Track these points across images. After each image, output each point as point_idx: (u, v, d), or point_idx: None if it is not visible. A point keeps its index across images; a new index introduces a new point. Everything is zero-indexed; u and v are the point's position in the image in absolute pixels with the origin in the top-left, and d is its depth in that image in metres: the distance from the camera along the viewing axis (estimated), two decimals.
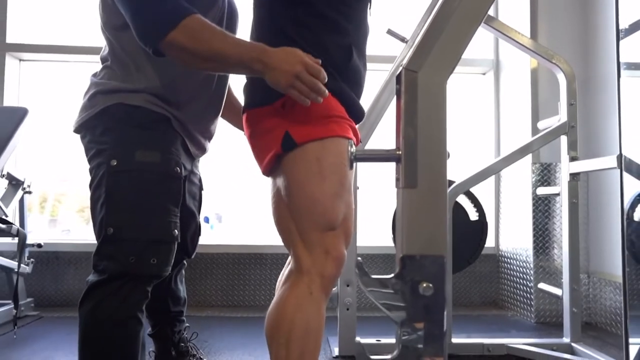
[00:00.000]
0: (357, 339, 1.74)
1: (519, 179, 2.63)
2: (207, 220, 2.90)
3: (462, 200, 2.02)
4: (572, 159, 1.90)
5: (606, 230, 2.39)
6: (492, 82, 2.95)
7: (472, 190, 2.00)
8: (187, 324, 1.59)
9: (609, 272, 2.35)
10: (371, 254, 2.75)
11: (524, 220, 2.56)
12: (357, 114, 1.14)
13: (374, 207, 2.71)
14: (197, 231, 1.47)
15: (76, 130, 1.24)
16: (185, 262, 1.53)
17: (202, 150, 1.38)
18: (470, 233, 2.02)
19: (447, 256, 0.79)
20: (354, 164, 1.29)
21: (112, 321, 1.12)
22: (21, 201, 2.52)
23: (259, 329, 1.96)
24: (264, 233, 2.79)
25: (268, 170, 1.09)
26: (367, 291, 0.79)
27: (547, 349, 1.83)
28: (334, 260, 1.01)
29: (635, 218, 1.69)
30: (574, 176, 1.90)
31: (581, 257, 2.11)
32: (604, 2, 2.49)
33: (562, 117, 1.94)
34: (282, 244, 1.09)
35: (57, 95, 2.87)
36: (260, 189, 2.72)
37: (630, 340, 1.47)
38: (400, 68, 0.79)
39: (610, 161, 1.63)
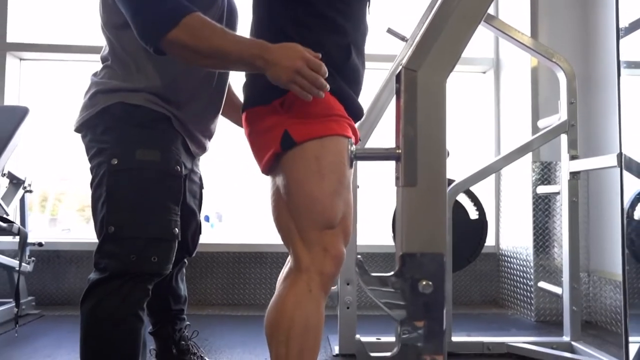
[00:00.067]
0: (357, 336, 1.75)
1: (519, 177, 2.63)
2: (207, 219, 2.90)
3: (462, 199, 2.03)
4: (572, 157, 1.91)
5: (606, 229, 2.39)
6: (492, 81, 2.95)
7: (472, 188, 2.00)
8: (188, 322, 1.59)
9: (609, 271, 2.35)
10: (371, 253, 2.75)
11: (524, 219, 2.56)
12: (356, 112, 1.14)
13: (374, 206, 2.71)
14: (198, 230, 1.47)
15: (77, 130, 1.25)
16: (186, 260, 1.53)
17: (203, 149, 1.39)
18: (471, 232, 2.02)
19: (446, 254, 0.79)
20: (354, 163, 1.29)
21: (113, 319, 1.12)
22: (22, 200, 2.52)
23: (259, 328, 1.96)
24: (264, 232, 2.80)
25: (267, 169, 1.09)
26: (367, 289, 0.79)
27: (547, 347, 1.83)
28: (333, 259, 1.01)
29: (635, 217, 1.69)
30: (574, 175, 1.91)
31: (581, 256, 2.11)
32: (604, 1, 2.49)
33: (562, 115, 1.94)
34: (282, 242, 1.09)
35: (57, 94, 2.88)
36: (260, 188, 2.72)
37: (630, 338, 1.47)
38: (400, 67, 0.79)
39: (611, 160, 1.63)
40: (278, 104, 1.05)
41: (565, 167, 1.92)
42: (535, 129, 2.40)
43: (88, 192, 1.21)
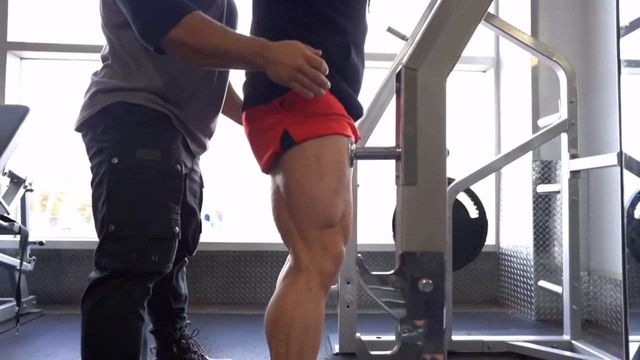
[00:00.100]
0: (358, 335, 1.75)
1: (520, 176, 2.63)
2: (207, 218, 2.90)
3: (463, 197, 2.03)
4: (573, 156, 1.91)
5: (606, 228, 2.39)
6: (492, 80, 2.95)
7: (473, 187, 2.00)
8: (189, 321, 1.59)
9: (609, 270, 2.35)
10: (371, 252, 2.75)
11: (525, 218, 2.56)
12: (355, 111, 1.15)
13: (374, 204, 2.71)
14: (198, 228, 1.47)
15: (77, 129, 1.25)
16: (186, 259, 1.54)
17: (203, 147, 1.39)
18: (471, 231, 2.03)
19: (446, 253, 0.79)
20: (354, 162, 1.29)
21: (113, 317, 1.12)
22: (23, 199, 2.52)
23: (259, 327, 1.96)
24: (264, 231, 2.80)
25: (267, 168, 1.09)
26: (367, 288, 0.79)
27: (547, 346, 1.83)
28: (333, 257, 1.02)
29: (636, 216, 1.69)
30: (574, 174, 1.91)
31: (581, 255, 2.11)
32: (604, 0, 2.49)
33: (562, 114, 1.94)
34: (282, 241, 1.09)
35: (58, 93, 2.88)
36: (260, 187, 2.72)
37: (631, 337, 1.47)
38: (400, 66, 0.79)
39: (611, 159, 1.63)
40: (278, 103, 1.05)
41: (566, 166, 1.92)
42: (535, 127, 2.40)
43: (88, 191, 1.21)
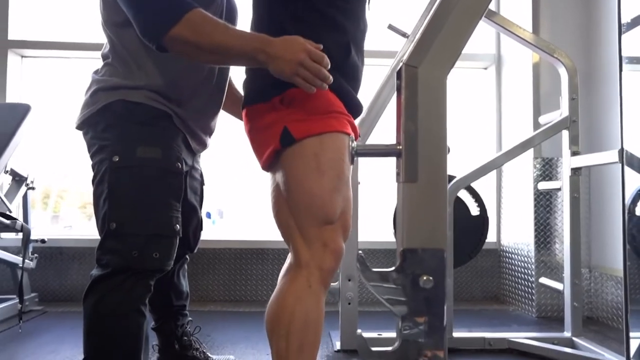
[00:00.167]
0: (359, 331, 1.75)
1: (521, 173, 2.63)
2: (209, 215, 2.91)
3: (464, 195, 2.03)
4: (574, 153, 1.90)
5: (607, 225, 2.39)
6: (493, 77, 2.95)
7: (474, 185, 2.00)
8: (190, 318, 1.60)
9: (610, 267, 2.35)
10: (372, 249, 2.76)
11: (526, 215, 2.56)
12: (355, 108, 1.15)
13: (375, 202, 2.71)
14: (199, 226, 1.48)
15: (78, 127, 1.25)
16: (187, 256, 1.54)
17: (203, 145, 1.39)
18: (472, 228, 2.03)
19: (447, 250, 0.79)
20: (355, 159, 1.29)
21: (115, 315, 1.13)
22: (25, 197, 2.53)
23: (260, 323, 1.97)
24: (265, 228, 2.80)
25: (267, 166, 1.10)
26: (368, 285, 0.79)
27: (548, 343, 1.84)
28: (332, 254, 1.02)
29: (637, 212, 1.69)
30: (575, 171, 1.91)
31: (582, 252, 2.11)
32: None
33: (563, 111, 1.94)
34: (282, 239, 1.10)
35: (59, 91, 2.88)
36: (261, 185, 2.72)
37: (631, 334, 1.47)
38: (401, 63, 0.79)
39: (612, 156, 1.63)
40: (278, 101, 1.05)
41: (567, 163, 1.92)
42: (536, 125, 2.40)
43: (90, 189, 1.22)
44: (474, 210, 2.04)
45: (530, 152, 2.40)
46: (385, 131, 1.88)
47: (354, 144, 0.97)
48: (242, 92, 1.19)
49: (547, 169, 2.52)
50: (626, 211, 1.55)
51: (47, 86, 2.89)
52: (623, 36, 1.54)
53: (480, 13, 0.81)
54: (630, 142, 1.55)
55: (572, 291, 1.88)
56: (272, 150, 1.05)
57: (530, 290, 2.51)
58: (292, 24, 1.08)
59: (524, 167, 2.58)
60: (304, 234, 1.03)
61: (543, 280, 2.07)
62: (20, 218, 2.50)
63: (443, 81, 0.79)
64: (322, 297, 1.02)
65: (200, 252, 2.66)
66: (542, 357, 1.79)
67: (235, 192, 2.96)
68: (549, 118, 2.02)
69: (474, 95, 3.05)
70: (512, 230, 2.73)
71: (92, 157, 1.22)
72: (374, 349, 0.83)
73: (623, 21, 1.56)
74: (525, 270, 2.56)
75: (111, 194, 1.15)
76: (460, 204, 1.99)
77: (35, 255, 2.51)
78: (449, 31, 0.79)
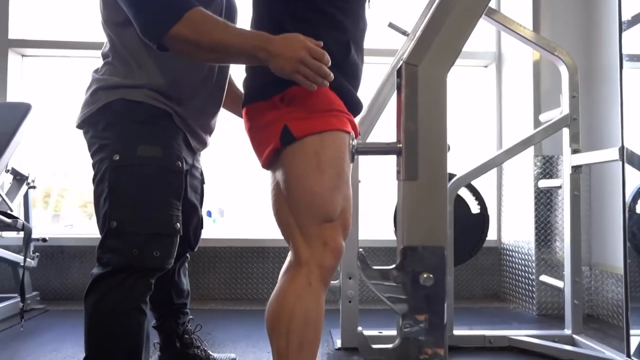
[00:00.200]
0: (359, 329, 1.76)
1: (521, 171, 2.63)
2: (209, 214, 2.91)
3: (464, 193, 2.03)
4: (574, 151, 1.90)
5: (608, 223, 2.39)
6: (494, 75, 2.94)
7: (474, 183, 2.00)
8: (191, 317, 1.60)
9: (610, 264, 2.36)
10: (373, 247, 2.76)
11: (526, 213, 2.56)
12: (355, 106, 1.15)
13: (376, 200, 2.72)
14: (200, 224, 1.48)
15: (79, 126, 1.25)
16: (188, 255, 1.54)
17: (203, 144, 1.39)
18: (472, 226, 2.03)
19: (447, 247, 0.79)
20: (355, 158, 1.29)
21: (116, 313, 1.13)
22: (26, 196, 2.53)
23: (261, 322, 1.97)
24: (266, 227, 2.81)
25: (267, 164, 1.10)
26: (369, 283, 0.80)
27: (548, 340, 1.84)
28: (332, 252, 1.02)
29: (637, 210, 1.69)
30: (575, 169, 1.91)
31: (583, 250, 2.11)
32: None
33: (564, 109, 1.94)
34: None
35: (59, 90, 2.88)
36: (262, 183, 2.72)
37: (632, 332, 1.48)
38: (401, 62, 0.79)
39: (612, 153, 1.63)
40: (278, 99, 1.06)
41: (567, 160, 1.92)
42: (537, 122, 2.39)
43: (90, 188, 1.22)
44: (475, 208, 2.04)
45: (530, 150, 2.40)
46: (385, 129, 1.88)
47: (354, 142, 0.97)
48: (242, 90, 1.19)
49: (547, 167, 2.52)
50: (627, 209, 1.55)
51: (47, 85, 2.89)
52: (624, 34, 1.54)
53: (480, 12, 0.81)
54: (631, 140, 1.55)
55: (573, 289, 1.88)
56: (273, 148, 1.05)
57: (530, 288, 2.52)
58: (291, 23, 1.08)
59: (524, 165, 2.58)
60: (304, 232, 1.03)
61: (543, 278, 2.07)
62: (22, 217, 2.51)
63: (443, 79, 0.79)
64: (322, 295, 1.02)
65: (201, 251, 2.66)
66: (542, 354, 1.79)
67: (235, 190, 2.96)
68: (550, 116, 2.02)
69: (474, 93, 3.04)
70: (513, 228, 2.73)
71: (92, 156, 1.22)
72: (374, 346, 0.84)
73: (623, 19, 1.56)
74: (526, 268, 2.56)
75: (112, 193, 1.15)
76: (460, 202, 2.00)
77: (37, 254, 2.52)
78: (449, 30, 0.79)
